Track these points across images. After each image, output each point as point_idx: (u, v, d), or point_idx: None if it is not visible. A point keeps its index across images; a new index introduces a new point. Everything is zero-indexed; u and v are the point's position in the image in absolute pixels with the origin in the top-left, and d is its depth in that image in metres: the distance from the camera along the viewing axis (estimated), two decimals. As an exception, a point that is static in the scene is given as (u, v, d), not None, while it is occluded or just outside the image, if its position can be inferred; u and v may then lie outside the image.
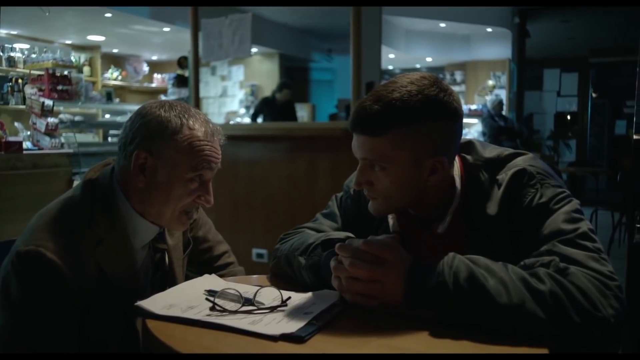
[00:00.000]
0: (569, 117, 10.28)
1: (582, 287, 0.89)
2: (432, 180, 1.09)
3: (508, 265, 0.95)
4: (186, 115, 1.19)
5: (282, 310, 0.99)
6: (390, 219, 1.22)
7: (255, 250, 3.66)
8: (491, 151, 1.16)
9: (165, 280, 1.29)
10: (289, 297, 1.04)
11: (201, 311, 0.99)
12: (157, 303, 1.02)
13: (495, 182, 1.11)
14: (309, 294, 1.08)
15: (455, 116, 1.09)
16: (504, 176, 1.10)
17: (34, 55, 6.02)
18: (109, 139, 6.71)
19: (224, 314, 0.97)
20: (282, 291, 1.05)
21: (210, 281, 1.19)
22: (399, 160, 1.06)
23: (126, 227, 1.19)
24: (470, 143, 1.18)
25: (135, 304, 1.02)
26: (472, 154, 1.16)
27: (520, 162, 1.11)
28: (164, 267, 1.30)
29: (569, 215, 1.03)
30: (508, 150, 1.16)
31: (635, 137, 2.39)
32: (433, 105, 1.05)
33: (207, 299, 1.02)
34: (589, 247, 0.98)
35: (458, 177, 1.15)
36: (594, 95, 10.27)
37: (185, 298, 1.06)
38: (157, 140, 1.17)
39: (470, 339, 0.87)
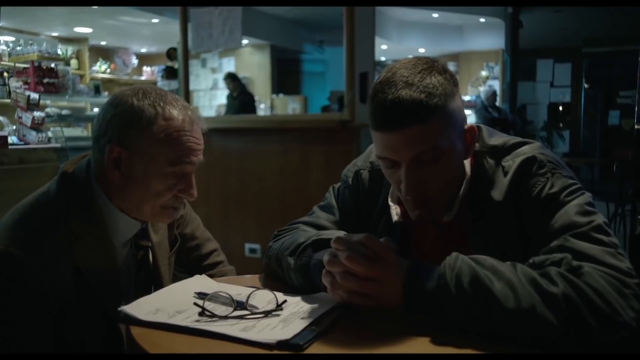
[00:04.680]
0: (561, 108, 10.27)
1: (598, 289, 0.83)
2: (470, 151, 1.07)
3: (517, 265, 0.88)
4: (162, 103, 1.10)
5: (277, 315, 0.92)
6: (393, 209, 1.15)
7: (247, 245, 3.61)
8: (497, 139, 1.11)
9: (149, 279, 1.22)
10: (285, 301, 0.97)
11: (190, 316, 0.92)
12: (142, 308, 0.95)
13: (502, 169, 1.05)
14: (306, 297, 1.01)
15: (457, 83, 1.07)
16: (510, 163, 1.04)
17: (19, 48, 5.89)
18: (98, 132, 6.58)
19: (214, 319, 0.90)
20: (276, 293, 0.98)
21: (201, 282, 1.12)
22: (450, 140, 1.00)
23: (105, 223, 1.12)
24: (477, 128, 1.12)
25: (119, 308, 0.95)
26: (478, 140, 1.10)
27: (528, 150, 1.06)
28: (148, 266, 1.22)
29: (582, 207, 0.96)
30: (515, 139, 1.10)
31: (636, 127, 2.34)
32: (451, 76, 1.02)
33: (195, 303, 0.95)
34: (605, 241, 0.91)
35: (468, 162, 1.10)
36: (586, 85, 10.25)
37: (173, 301, 0.99)
38: (131, 132, 1.08)
39: (476, 345, 0.81)
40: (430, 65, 1.00)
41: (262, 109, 8.42)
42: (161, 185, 1.10)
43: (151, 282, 1.22)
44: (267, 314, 0.92)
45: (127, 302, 0.96)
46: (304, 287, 1.06)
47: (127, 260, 1.19)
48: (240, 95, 6.97)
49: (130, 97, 1.10)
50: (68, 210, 1.09)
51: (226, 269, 1.42)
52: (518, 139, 1.10)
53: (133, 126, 1.08)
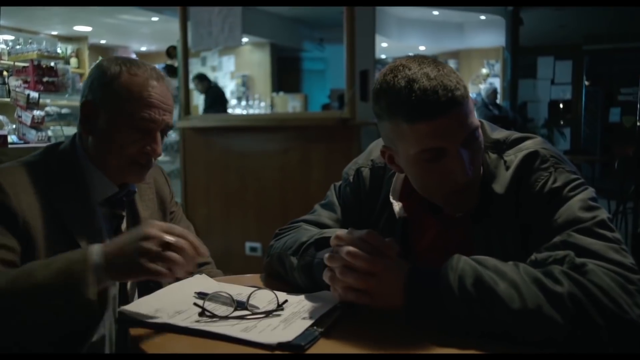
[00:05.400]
0: (561, 106, 10.25)
1: (603, 286, 0.82)
2: None
3: (519, 264, 0.87)
4: (128, 64, 1.19)
5: (278, 315, 0.91)
6: (396, 205, 1.13)
7: (248, 244, 3.60)
8: (499, 133, 1.10)
9: None
10: (286, 301, 0.96)
11: (190, 317, 0.91)
12: (141, 308, 0.94)
13: (504, 163, 1.04)
14: (308, 296, 1.00)
15: None
16: (512, 157, 1.03)
17: (18, 47, 5.87)
18: (98, 131, 6.57)
19: (214, 319, 0.89)
20: (277, 293, 0.97)
21: (201, 282, 1.11)
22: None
23: (84, 177, 1.19)
24: (480, 123, 1.11)
25: (119, 309, 0.94)
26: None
27: (531, 144, 1.04)
28: (121, 233, 1.23)
29: (586, 202, 0.95)
30: (517, 134, 1.09)
31: (638, 124, 2.33)
32: None
33: (195, 303, 0.94)
34: (608, 236, 0.90)
35: None
36: (587, 83, 10.23)
37: (172, 302, 0.98)
38: (97, 87, 1.18)
39: (478, 346, 0.80)
40: (430, 57, 1.00)
41: (262, 107, 8.42)
42: (124, 138, 1.17)
43: None
44: (267, 314, 0.91)
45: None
46: (308, 286, 1.05)
47: (103, 221, 1.22)
48: (209, 90, 6.85)
49: (104, 61, 1.22)
50: (50, 162, 1.18)
51: (214, 271, 1.42)
52: (520, 134, 1.08)
53: (99, 81, 1.18)
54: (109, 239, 1.19)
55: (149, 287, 1.20)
